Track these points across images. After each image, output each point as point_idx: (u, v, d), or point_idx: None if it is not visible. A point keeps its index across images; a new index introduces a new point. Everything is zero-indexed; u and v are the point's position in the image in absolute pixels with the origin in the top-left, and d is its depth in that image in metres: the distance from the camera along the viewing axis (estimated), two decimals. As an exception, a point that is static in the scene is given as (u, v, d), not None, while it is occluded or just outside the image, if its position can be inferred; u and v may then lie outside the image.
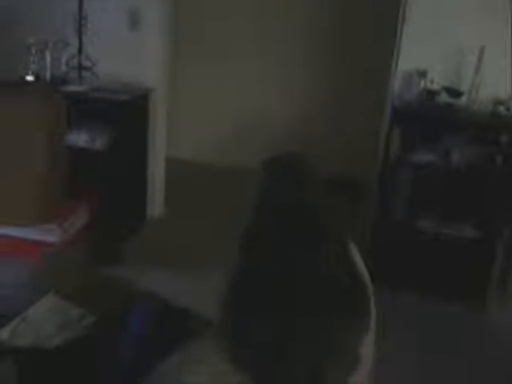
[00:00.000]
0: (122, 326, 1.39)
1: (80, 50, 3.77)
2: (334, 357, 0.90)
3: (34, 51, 3.72)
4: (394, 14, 3.53)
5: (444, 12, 3.34)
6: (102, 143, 3.55)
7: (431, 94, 3.35)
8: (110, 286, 1.74)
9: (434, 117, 3.33)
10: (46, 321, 1.51)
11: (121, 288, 1.71)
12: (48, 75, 3.77)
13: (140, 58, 3.81)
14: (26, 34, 3.73)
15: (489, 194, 3.33)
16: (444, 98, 3.35)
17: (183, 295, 1.79)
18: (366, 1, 4.59)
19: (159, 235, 3.96)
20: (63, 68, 3.83)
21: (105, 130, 3.56)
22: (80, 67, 3.78)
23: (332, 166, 4.57)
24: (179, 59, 4.63)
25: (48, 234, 2.74)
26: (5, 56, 3.79)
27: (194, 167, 5.02)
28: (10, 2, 3.83)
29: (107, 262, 3.11)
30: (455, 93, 3.34)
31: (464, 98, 3.35)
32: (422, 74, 3.38)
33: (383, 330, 1.35)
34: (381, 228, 3.49)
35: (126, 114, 3.65)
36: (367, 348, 1.09)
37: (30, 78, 3.72)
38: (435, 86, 3.37)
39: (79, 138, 3.51)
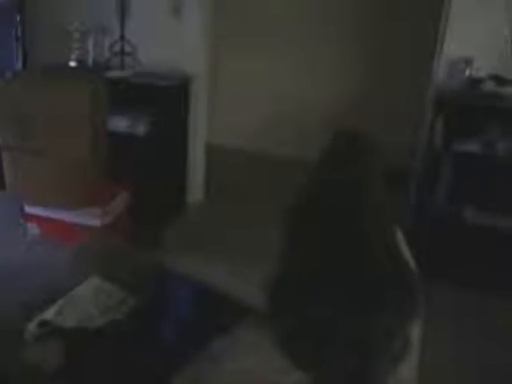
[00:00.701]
0: (163, 309, 1.40)
1: (122, 36, 3.79)
2: (385, 341, 0.88)
3: (76, 37, 3.76)
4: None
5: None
6: (142, 129, 3.57)
7: (477, 81, 3.28)
8: (152, 269, 1.75)
9: (478, 105, 3.25)
10: (89, 302, 1.52)
11: (162, 272, 1.72)
12: (90, 61, 3.81)
13: (182, 45, 3.81)
14: (69, 20, 3.77)
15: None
16: (490, 86, 3.27)
17: (220, 282, 1.79)
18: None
19: (198, 221, 3.98)
20: (105, 54, 3.86)
21: (146, 116, 3.58)
22: (122, 53, 3.80)
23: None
24: (219, 47, 4.62)
25: (91, 218, 2.77)
26: (48, 41, 3.84)
27: (232, 154, 5.01)
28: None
29: (147, 246, 3.14)
30: (502, 81, 3.26)
31: (509, 87, 3.27)
32: (468, 62, 3.30)
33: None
34: (422, 216, 3.43)
35: (166, 100, 3.66)
36: (416, 334, 1.07)
37: (72, 63, 3.76)
38: (481, 74, 3.30)
39: (120, 124, 3.53)
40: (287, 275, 0.96)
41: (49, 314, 1.47)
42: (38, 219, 2.68)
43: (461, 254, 3.36)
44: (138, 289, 1.53)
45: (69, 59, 3.76)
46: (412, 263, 1.19)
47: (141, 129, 3.57)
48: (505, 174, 3.27)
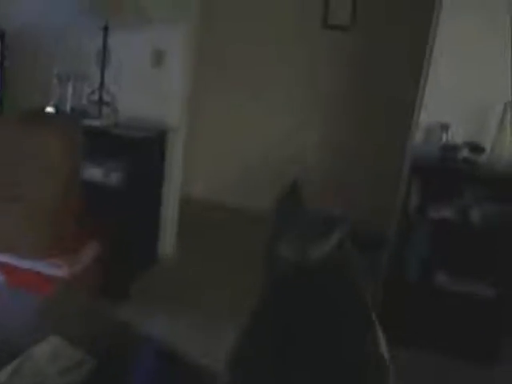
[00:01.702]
0: (123, 374, 1.33)
1: (101, 84, 3.78)
2: None
3: (56, 82, 3.74)
4: (419, 65, 3.53)
5: (469, 66, 3.33)
6: (117, 179, 3.53)
7: (452, 148, 3.31)
8: (116, 328, 1.68)
9: (453, 172, 3.28)
10: (47, 362, 1.45)
11: (127, 332, 1.65)
12: (68, 108, 3.78)
13: (161, 96, 3.82)
14: (49, 65, 3.76)
15: (506, 253, 3.26)
16: (466, 153, 3.31)
17: (188, 340, 1.73)
18: (391, 51, 4.59)
19: (169, 275, 3.90)
20: (83, 101, 3.84)
21: (121, 166, 3.53)
22: (100, 102, 3.78)
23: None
24: (199, 98, 4.64)
25: (58, 268, 2.70)
26: (26, 86, 3.81)
27: (205, 206, 4.98)
28: (37, 32, 3.87)
29: (115, 299, 3.07)
30: (477, 149, 3.30)
31: (486, 155, 3.31)
32: (444, 128, 3.34)
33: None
34: (395, 283, 3.41)
35: (143, 151, 3.63)
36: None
37: (50, 109, 3.73)
38: (457, 141, 3.34)
39: (95, 173, 3.49)
40: (249, 353, 0.92)
41: (4, 373, 1.40)
42: (3, 267, 2.60)
43: (433, 319, 3.34)
44: (100, 350, 1.46)
45: (47, 105, 3.73)
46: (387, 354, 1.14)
47: (115, 179, 3.52)
48: (478, 241, 3.28)
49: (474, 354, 3.30)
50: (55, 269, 2.69)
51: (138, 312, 3.02)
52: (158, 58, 3.80)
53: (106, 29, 3.65)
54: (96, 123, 3.65)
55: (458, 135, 3.36)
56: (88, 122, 3.63)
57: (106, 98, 3.79)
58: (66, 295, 2.13)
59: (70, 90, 3.78)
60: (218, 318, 3.33)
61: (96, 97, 3.79)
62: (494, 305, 3.29)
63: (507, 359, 3.29)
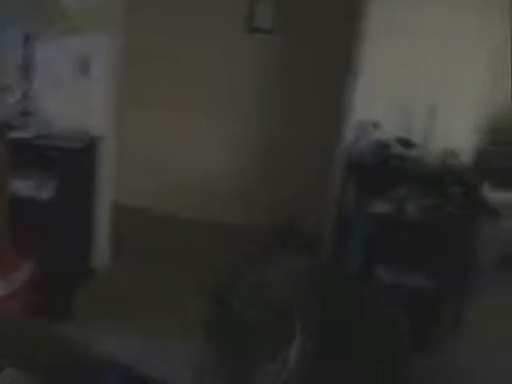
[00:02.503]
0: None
1: (26, 95, 3.65)
2: None
3: (-23, 95, 3.60)
4: (348, 63, 3.58)
5: (398, 63, 3.39)
6: (47, 192, 3.41)
7: (384, 144, 3.38)
8: (60, 349, 1.61)
9: (386, 168, 3.35)
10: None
11: (72, 352, 1.58)
12: (-9, 120, 3.63)
13: (88, 104, 3.71)
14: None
15: (441, 245, 3.34)
16: (397, 149, 3.37)
17: (134, 351, 1.68)
18: (321, 49, 4.62)
19: (107, 286, 3.81)
20: (8, 113, 3.70)
21: (51, 179, 3.42)
22: (25, 113, 3.65)
23: (279, 215, 4.62)
24: (127, 106, 4.55)
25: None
26: None
27: (140, 215, 4.90)
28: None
29: (54, 317, 2.96)
30: (407, 144, 3.37)
31: (416, 150, 3.38)
32: (376, 125, 3.40)
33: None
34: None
35: (72, 161, 3.53)
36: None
37: (-29, 122, 3.57)
38: (388, 137, 3.40)
39: (23, 187, 3.36)
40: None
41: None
42: None
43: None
44: (57, 376, 1.39)
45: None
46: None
47: (46, 192, 3.41)
48: (414, 234, 3.35)
49: (413, 345, 3.36)
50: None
51: (83, 328, 2.93)
52: (84, 66, 3.69)
53: (28, 38, 3.53)
54: (22, 135, 3.52)
55: (388, 132, 3.42)
56: (14, 134, 3.49)
57: (31, 108, 3.66)
58: (2, 317, 2.03)
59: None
60: (158, 328, 3.28)
61: (21, 108, 3.65)
62: (431, 296, 3.37)
63: (444, 348, 3.38)
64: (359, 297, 0.99)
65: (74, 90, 3.70)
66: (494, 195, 3.56)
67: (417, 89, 3.37)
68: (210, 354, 0.96)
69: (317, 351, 0.86)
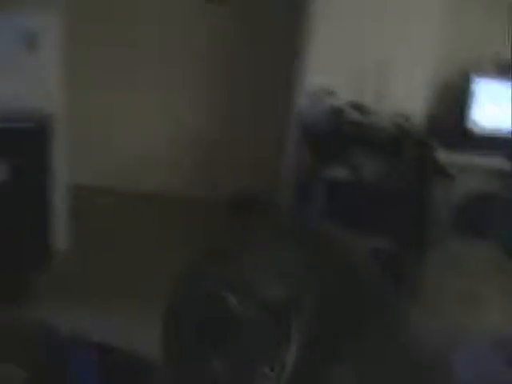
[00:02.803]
0: (61, 379, 1.27)
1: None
2: None
3: None
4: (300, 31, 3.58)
5: (347, 28, 3.41)
6: (1, 176, 3.34)
7: (338, 110, 3.41)
8: (32, 332, 1.60)
9: (341, 133, 3.38)
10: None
11: (45, 333, 1.57)
12: None
13: (38, 83, 3.62)
14: None
15: (397, 207, 3.41)
16: (352, 114, 3.41)
17: (103, 332, 1.67)
18: (270, 19, 4.59)
19: (68, 269, 3.77)
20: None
21: (3, 161, 3.35)
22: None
23: (237, 186, 4.63)
24: (81, 83, 4.46)
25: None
26: None
27: (100, 194, 4.84)
28: None
29: (13, 299, 2.93)
30: (361, 109, 3.41)
31: (370, 114, 3.42)
32: (329, 92, 3.42)
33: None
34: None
35: (25, 142, 3.45)
36: None
37: None
38: (341, 103, 3.43)
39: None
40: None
41: None
42: None
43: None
44: (27, 359, 1.38)
45: None
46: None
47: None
48: (370, 197, 3.41)
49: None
50: None
51: (47, 310, 2.90)
52: (32, 42, 3.59)
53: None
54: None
55: (342, 97, 3.45)
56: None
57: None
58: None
59: None
60: (134, 304, 3.28)
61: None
62: (389, 257, 3.45)
63: (404, 305, 3.47)
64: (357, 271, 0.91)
65: (21, 68, 3.61)
66: (446, 157, 3.64)
67: (368, 51, 3.40)
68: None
69: (316, 351, 0.82)
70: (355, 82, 3.45)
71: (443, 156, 3.66)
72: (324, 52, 3.43)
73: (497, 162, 3.61)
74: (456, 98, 3.83)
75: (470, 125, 3.80)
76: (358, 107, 3.41)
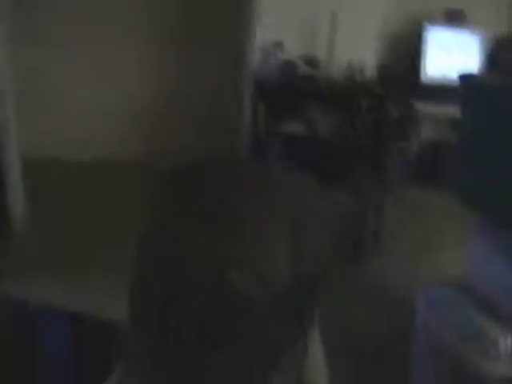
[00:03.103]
0: (34, 348, 1.25)
1: None
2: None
3: None
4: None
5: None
6: None
7: (290, 65, 3.38)
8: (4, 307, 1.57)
9: (295, 87, 3.36)
10: None
11: (10, 307, 1.55)
12: None
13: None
14: None
15: (354, 159, 3.43)
16: (303, 68, 3.39)
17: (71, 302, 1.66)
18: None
19: (28, 241, 3.71)
20: None
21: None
22: None
23: (195, 147, 4.57)
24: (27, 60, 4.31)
25: None
26: None
27: (47, 164, 4.75)
28: None
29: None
30: (313, 62, 3.39)
31: (322, 67, 3.41)
32: (280, 46, 3.39)
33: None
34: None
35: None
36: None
37: None
38: (293, 57, 3.40)
39: None
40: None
41: None
42: None
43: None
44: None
45: None
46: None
47: None
48: (326, 150, 3.41)
49: (345, 257, 3.49)
50: None
51: (12, 286, 2.86)
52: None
53: None
54: None
55: (294, 51, 3.43)
56: None
57: None
58: None
59: None
60: (100, 273, 3.25)
61: None
62: (352, 212, 3.48)
63: (369, 256, 3.54)
64: None
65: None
66: (397, 107, 3.67)
67: (319, 2, 3.37)
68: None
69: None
70: (306, 35, 3.43)
71: (396, 106, 3.69)
72: (274, 5, 3.39)
73: (449, 110, 3.65)
74: (407, 48, 3.84)
75: (421, 74, 3.82)
76: (310, 61, 3.39)
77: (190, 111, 4.71)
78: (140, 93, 4.87)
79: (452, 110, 3.62)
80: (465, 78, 2.17)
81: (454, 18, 3.73)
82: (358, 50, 3.45)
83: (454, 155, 2.58)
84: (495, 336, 1.87)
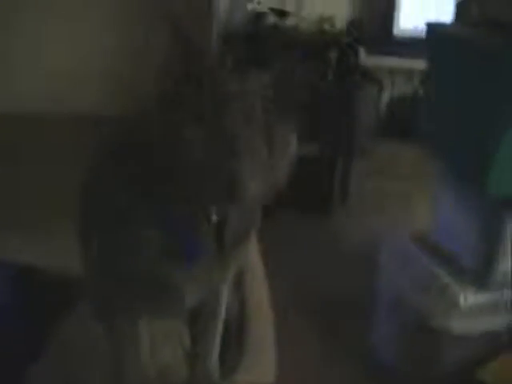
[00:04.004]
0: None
1: None
2: None
3: None
4: None
5: None
6: None
7: (258, 16, 3.30)
8: None
9: (263, 39, 3.28)
10: None
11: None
12: None
13: None
14: None
15: (325, 110, 3.38)
16: (271, 19, 3.31)
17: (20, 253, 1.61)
18: None
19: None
20: None
21: None
22: None
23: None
24: None
25: None
26: None
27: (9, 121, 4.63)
28: None
29: None
30: (281, 13, 3.31)
31: (291, 18, 3.33)
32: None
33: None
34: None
35: None
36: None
37: None
38: (262, 8, 3.32)
39: None
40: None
41: None
42: None
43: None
44: None
45: None
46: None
47: None
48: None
49: (312, 208, 3.49)
50: None
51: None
52: None
53: None
54: None
55: (263, 2, 3.34)
56: None
57: None
58: None
59: None
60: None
61: None
62: (320, 164, 3.45)
63: (336, 208, 3.54)
64: None
65: None
66: (369, 60, 3.62)
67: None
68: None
69: None
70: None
71: (367, 59, 3.63)
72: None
73: (421, 63, 3.60)
74: (380, 1, 3.78)
75: (392, 27, 3.77)
76: (281, 12, 3.30)
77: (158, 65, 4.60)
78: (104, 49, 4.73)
79: (424, 63, 3.59)
80: (431, 28, 2.12)
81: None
82: (329, 4, 3.38)
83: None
84: (456, 291, 1.87)
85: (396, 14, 3.74)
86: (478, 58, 1.78)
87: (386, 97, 4.41)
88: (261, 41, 3.28)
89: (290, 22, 3.33)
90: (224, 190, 0.79)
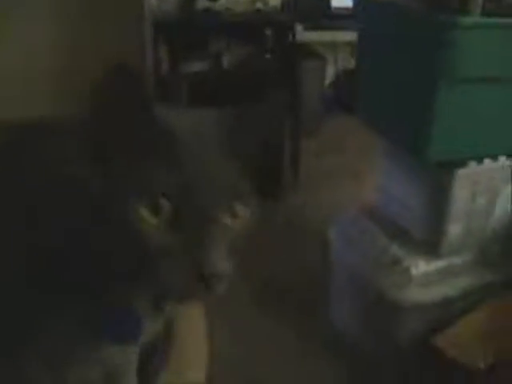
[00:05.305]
0: None
1: None
2: None
3: None
4: None
5: None
6: None
7: (190, 1, 3.22)
8: None
9: (195, 24, 3.21)
10: None
11: None
12: None
13: None
14: None
15: (266, 91, 3.33)
16: (202, 3, 3.23)
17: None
18: None
19: None
20: None
21: None
22: None
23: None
24: None
25: None
26: None
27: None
28: None
29: None
30: (212, -4, 3.24)
31: (222, 0, 3.26)
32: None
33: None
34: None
35: None
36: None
37: None
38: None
39: None
40: None
41: None
42: None
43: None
44: None
45: None
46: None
47: None
48: (234, 85, 3.29)
49: (264, 193, 3.43)
50: None
51: None
52: None
53: None
54: None
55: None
56: None
57: None
58: None
59: None
60: None
61: None
62: (264, 144, 3.40)
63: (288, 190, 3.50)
64: None
65: None
66: (306, 36, 3.58)
67: None
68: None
69: None
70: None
71: (308, 35, 3.60)
72: None
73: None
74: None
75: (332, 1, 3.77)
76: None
77: (97, 59, 4.48)
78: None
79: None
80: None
81: None
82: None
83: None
84: (407, 263, 1.86)
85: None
86: (406, 24, 1.76)
87: (330, 72, 4.39)
88: (194, 26, 3.20)
89: (222, 4, 3.25)
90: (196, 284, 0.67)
